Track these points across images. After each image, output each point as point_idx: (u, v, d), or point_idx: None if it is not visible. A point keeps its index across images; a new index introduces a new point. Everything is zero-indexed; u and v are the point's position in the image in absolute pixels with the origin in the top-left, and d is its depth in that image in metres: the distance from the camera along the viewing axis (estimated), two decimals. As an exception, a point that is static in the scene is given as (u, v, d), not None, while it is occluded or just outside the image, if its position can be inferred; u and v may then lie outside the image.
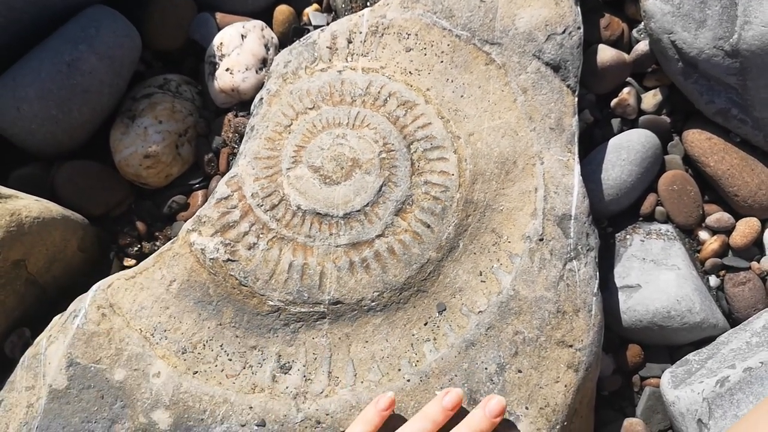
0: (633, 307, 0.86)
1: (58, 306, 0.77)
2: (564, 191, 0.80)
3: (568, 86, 0.84)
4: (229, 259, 0.75)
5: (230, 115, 0.89)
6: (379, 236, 0.77)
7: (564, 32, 0.85)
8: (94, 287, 0.75)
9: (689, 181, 0.93)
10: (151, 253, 0.87)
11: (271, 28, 0.94)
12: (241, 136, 0.87)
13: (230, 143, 0.89)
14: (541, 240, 0.78)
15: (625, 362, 0.88)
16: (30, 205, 0.76)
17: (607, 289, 0.89)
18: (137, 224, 0.88)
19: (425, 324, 0.76)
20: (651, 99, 0.97)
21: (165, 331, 0.74)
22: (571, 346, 0.76)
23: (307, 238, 0.76)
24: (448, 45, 0.84)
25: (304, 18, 0.96)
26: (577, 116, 0.84)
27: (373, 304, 0.76)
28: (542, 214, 0.79)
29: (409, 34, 0.84)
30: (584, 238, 0.80)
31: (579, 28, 0.86)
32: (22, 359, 0.73)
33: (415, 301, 0.76)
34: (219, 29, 0.92)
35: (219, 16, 0.93)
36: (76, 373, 0.71)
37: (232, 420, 0.72)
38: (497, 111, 0.82)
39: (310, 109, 0.81)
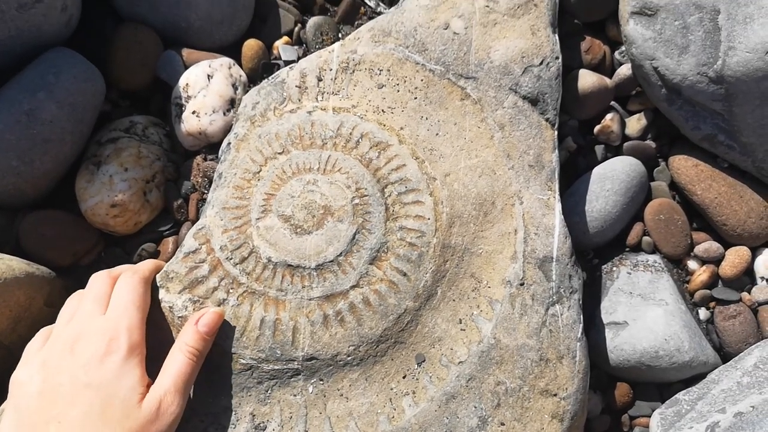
0: (620, 345, 0.83)
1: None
2: (545, 232, 0.77)
3: (547, 120, 0.81)
4: (197, 318, 0.72)
5: (199, 159, 0.86)
6: (353, 287, 0.74)
7: (541, 64, 0.81)
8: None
9: (676, 210, 0.90)
10: (122, 303, 0.85)
11: (240, 64, 0.90)
12: (211, 181, 0.84)
13: (200, 188, 0.86)
14: (522, 285, 0.76)
15: (614, 401, 0.86)
16: (-10, 267, 0.73)
17: (594, 326, 0.86)
18: (106, 274, 0.85)
19: (404, 377, 0.74)
20: (635, 124, 0.94)
21: (134, 393, 0.71)
22: (555, 394, 0.74)
23: (278, 292, 0.73)
24: (422, 80, 0.81)
25: (274, 52, 0.92)
26: (557, 151, 0.81)
27: (349, 358, 0.73)
28: (522, 257, 0.76)
29: (381, 70, 0.81)
30: (567, 281, 0.77)
31: (557, 58, 0.82)
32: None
33: (392, 354, 0.74)
34: (186, 67, 0.88)
35: (185, 52, 0.89)
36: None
37: (205, 486, 0.69)
38: (474, 149, 0.79)
39: (280, 153, 0.78)
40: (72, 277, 0.85)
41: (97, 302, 0.69)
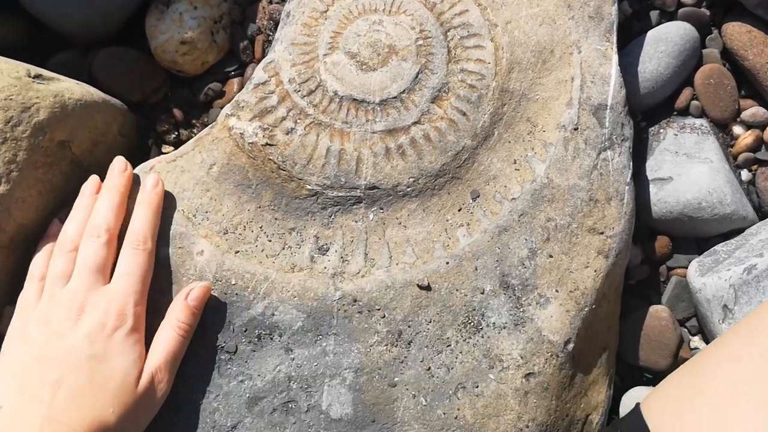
0: (664, 198, 0.87)
1: (101, 188, 0.79)
2: (601, 81, 0.80)
3: (609, -27, 0.83)
4: (267, 144, 0.76)
5: (265, 2, 0.89)
6: (415, 123, 0.77)
7: None
8: (137, 169, 0.77)
9: (726, 75, 0.92)
10: (189, 140, 0.89)
11: None
12: (276, 24, 0.87)
13: (265, 30, 0.89)
14: (576, 129, 0.79)
15: (653, 252, 0.90)
16: (72, 88, 0.77)
17: (639, 182, 0.89)
18: (174, 111, 0.89)
19: (459, 210, 0.78)
20: (691, -10, 0.95)
21: (206, 212, 0.76)
22: (602, 233, 0.78)
23: (344, 124, 0.77)
24: (487, -71, 0.82)
25: None
26: (617, 5, 0.82)
27: (409, 189, 0.77)
28: (578, 103, 0.79)
29: None
30: (619, 128, 0.80)
31: None
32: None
33: (449, 188, 0.78)
34: None
35: None
36: (123, 249, 0.74)
37: (273, 296, 0.74)
38: (536, -2, 0.81)
39: (347, -6, 0.80)
40: (141, 114, 0.90)
41: (99, 271, 0.70)
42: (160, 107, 0.90)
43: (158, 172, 0.77)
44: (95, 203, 0.73)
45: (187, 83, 0.91)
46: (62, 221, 0.74)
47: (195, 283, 0.73)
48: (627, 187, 0.79)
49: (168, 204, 0.75)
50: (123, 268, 0.70)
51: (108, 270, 0.70)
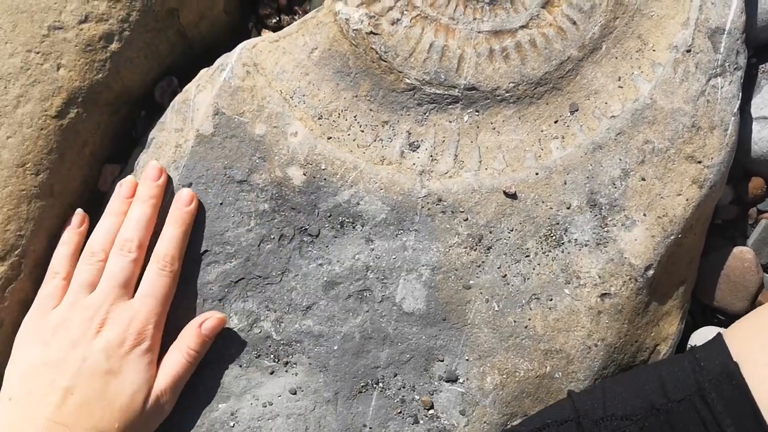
0: (766, 138, 0.84)
1: (202, 61, 0.80)
2: (722, 2, 0.76)
3: None
4: (371, 32, 0.76)
5: None
6: (522, 27, 0.75)
7: None
8: (240, 45, 0.78)
9: None
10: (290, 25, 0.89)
11: None
12: None
13: None
14: (689, 51, 0.76)
15: (746, 193, 0.87)
16: (181, -44, 0.77)
17: (742, 118, 0.86)
18: (278, -4, 0.89)
19: (555, 122, 0.76)
20: None
21: (303, 95, 0.77)
22: (700, 162, 0.76)
23: (450, 20, 0.76)
24: None
25: None
26: (750, -76, 0.78)
27: (507, 94, 0.76)
28: (694, 24, 0.76)
29: None
30: (734, 56, 0.77)
31: None
32: (172, 104, 0.77)
33: (548, 98, 0.76)
34: None
35: None
36: (221, 122, 0.75)
37: (360, 186, 0.75)
38: None
39: None
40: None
41: (124, 286, 0.70)
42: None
43: (261, 51, 0.77)
44: (128, 212, 0.72)
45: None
46: (85, 213, 0.76)
47: (211, 312, 0.73)
48: (733, 118, 0.76)
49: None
50: (147, 288, 0.70)
51: (133, 286, 0.71)
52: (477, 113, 0.77)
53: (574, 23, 0.75)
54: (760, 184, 0.87)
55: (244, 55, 0.77)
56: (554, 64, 0.76)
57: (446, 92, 0.76)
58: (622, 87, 0.76)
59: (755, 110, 0.86)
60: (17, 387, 0.67)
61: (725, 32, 0.76)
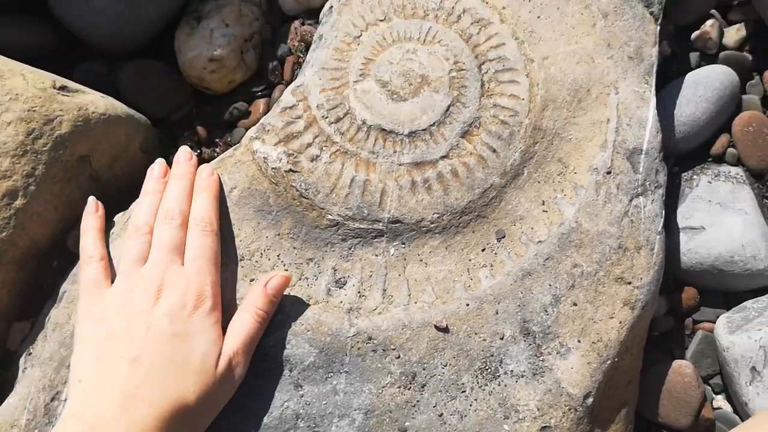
0: (694, 249, 0.84)
1: (118, 204, 0.77)
2: (637, 124, 0.77)
3: (651, 13, 0.80)
4: (291, 170, 0.74)
5: (297, 23, 0.87)
6: (443, 157, 0.75)
7: (652, -44, 0.80)
8: (155, 187, 0.76)
9: (766, 124, 0.89)
10: (211, 159, 0.87)
11: (343, -66, 0.90)
12: (307, 46, 0.85)
13: (296, 52, 0.87)
14: (609, 173, 0.76)
15: (680, 304, 0.87)
16: (96, 101, 0.75)
17: (668, 229, 0.86)
18: (198, 129, 0.88)
19: (483, 250, 0.75)
20: (734, 34, 0.92)
21: (224, 237, 0.74)
22: (629, 283, 0.75)
23: (370, 154, 0.75)
24: (529, -38, 0.80)
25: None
26: (657, 46, 0.80)
27: (432, 225, 0.75)
28: (612, 146, 0.77)
29: (488, -52, 0.80)
30: (653, 175, 0.77)
31: (668, -49, 0.81)
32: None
33: (474, 226, 0.75)
34: (290, -68, 0.88)
35: None
36: (137, 270, 0.72)
37: (286, 329, 0.72)
38: (575, 35, 0.79)
39: (381, 20, 0.78)
40: (163, 130, 0.88)
41: (175, 252, 0.70)
42: (184, 124, 0.89)
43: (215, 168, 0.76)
44: (166, 188, 0.74)
45: (212, 101, 0.89)
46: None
47: (274, 271, 0.73)
48: (658, 237, 0.76)
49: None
50: (194, 251, 0.70)
51: (182, 251, 0.71)
52: (403, 245, 0.75)
53: (494, 151, 0.75)
54: (693, 294, 0.87)
55: (160, 198, 0.75)
56: (477, 192, 0.75)
57: (370, 226, 0.75)
58: (546, 211, 0.76)
59: (681, 220, 0.87)
60: (86, 367, 0.65)
61: (643, 152, 0.77)
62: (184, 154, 0.76)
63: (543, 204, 0.76)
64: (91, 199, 0.75)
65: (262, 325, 0.70)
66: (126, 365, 0.63)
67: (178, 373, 0.64)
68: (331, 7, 0.80)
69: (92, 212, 0.74)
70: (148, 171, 0.76)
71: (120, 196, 0.79)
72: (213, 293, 0.69)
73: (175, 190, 0.73)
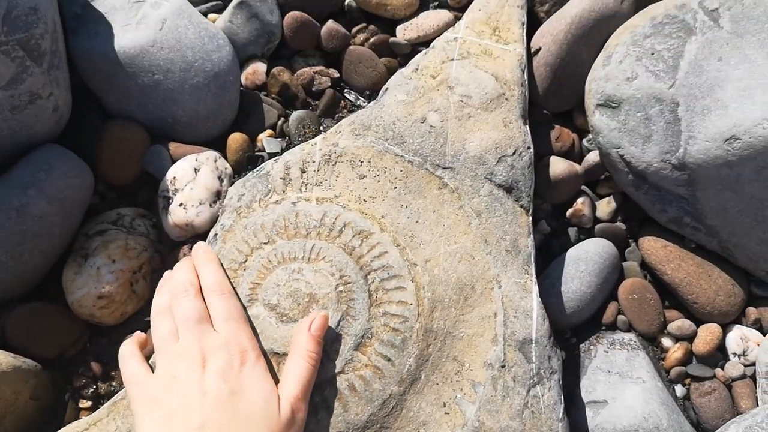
0: (601, 424, 0.85)
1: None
2: (523, 315, 0.80)
3: (521, 206, 0.85)
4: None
5: (185, 249, 0.89)
6: (339, 373, 0.75)
7: (514, 153, 0.86)
8: (46, 443, 0.73)
9: (648, 289, 0.93)
10: (107, 394, 0.86)
11: (225, 157, 0.94)
12: (196, 273, 0.86)
13: (186, 278, 0.88)
14: (503, 367, 0.78)
15: (598, 481, 0.87)
16: (-23, 362, 0.73)
17: (575, 405, 0.88)
18: (92, 365, 0.86)
19: (390, 463, 0.74)
20: (605, 206, 0.98)
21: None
22: (539, 476, 0.75)
23: (265, 381, 0.74)
24: (401, 171, 0.84)
25: (258, 144, 0.96)
26: (532, 236, 0.84)
27: (335, 446, 0.74)
28: (503, 339, 0.79)
29: (362, 162, 0.85)
30: (546, 362, 0.79)
31: (529, 147, 0.87)
32: None
33: (378, 439, 0.75)
34: (173, 160, 0.91)
35: (172, 146, 0.93)
36: None
37: None
38: (453, 235, 0.82)
39: (265, 243, 0.80)
40: (58, 369, 0.86)
41: (203, 322, 0.72)
42: (79, 359, 0.87)
43: None
44: (172, 277, 0.77)
45: (106, 332, 0.88)
46: None
47: (314, 312, 0.76)
48: (560, 424, 0.77)
49: None
50: (221, 314, 0.73)
51: (208, 317, 0.73)
52: (309, 470, 0.73)
53: (389, 360, 0.76)
54: (608, 469, 0.87)
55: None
56: (377, 404, 0.75)
57: (273, 455, 0.73)
58: (448, 413, 0.76)
59: (585, 394, 0.89)
60: None
61: (533, 342, 0.79)
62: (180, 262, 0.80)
63: (444, 406, 0.76)
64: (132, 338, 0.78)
65: (315, 368, 0.72)
66: None
67: (245, 427, 0.65)
68: (216, 234, 0.82)
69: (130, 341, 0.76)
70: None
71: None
72: (253, 346, 0.72)
73: (181, 270, 0.76)
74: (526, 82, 0.91)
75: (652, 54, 0.87)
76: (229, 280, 0.78)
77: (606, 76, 0.89)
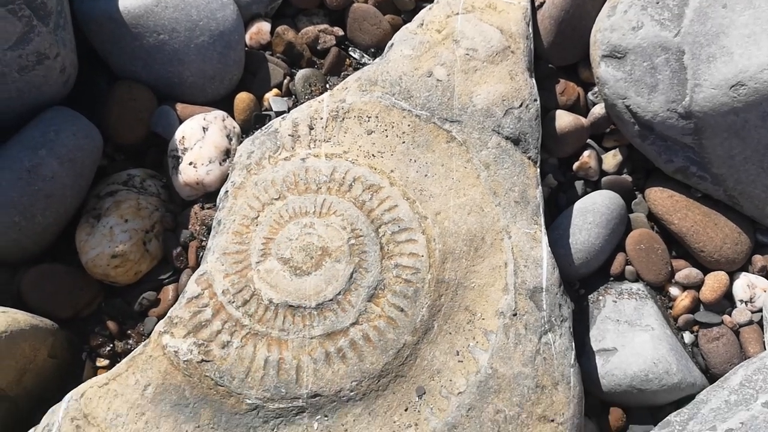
0: (611, 371, 0.86)
1: (31, 418, 0.75)
2: (534, 264, 0.81)
3: (529, 158, 0.86)
4: (203, 360, 0.74)
5: (197, 208, 0.89)
6: (353, 324, 0.76)
7: (521, 106, 0.86)
8: (67, 398, 0.74)
9: (656, 239, 0.94)
10: (124, 352, 0.87)
11: (233, 117, 0.94)
12: (209, 229, 0.87)
13: (198, 236, 0.88)
14: (515, 315, 0.79)
15: (608, 427, 0.88)
16: (-5, 320, 0.74)
17: (585, 354, 0.89)
18: (108, 324, 0.87)
19: (406, 410, 0.76)
20: (611, 159, 0.99)
21: (142, 440, 0.73)
22: (552, 420, 0.76)
23: (281, 332, 0.76)
24: (409, 125, 0.85)
25: (265, 103, 0.97)
26: (540, 187, 0.85)
27: (352, 393, 0.75)
28: (514, 288, 0.80)
29: (369, 117, 0.85)
30: (557, 309, 0.80)
31: (535, 100, 0.87)
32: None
33: (394, 387, 0.76)
34: (180, 121, 0.92)
35: (179, 107, 0.93)
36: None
37: None
38: (462, 188, 0.83)
39: (276, 199, 0.81)
40: (73, 329, 0.87)
41: None
42: (94, 320, 0.88)
43: (90, 398, 0.74)
44: None
45: (121, 292, 0.89)
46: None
47: None
48: (572, 370, 0.78)
49: None
50: None
51: None
52: (326, 418, 0.75)
53: (402, 310, 0.77)
54: (619, 415, 0.88)
55: (71, 408, 0.73)
56: (391, 353, 0.76)
57: (290, 404, 0.74)
58: (462, 361, 0.77)
59: (595, 343, 0.90)
60: None
61: (543, 290, 0.80)
62: None
63: (457, 354, 0.77)
64: None
65: None
66: None
67: None
68: (227, 191, 0.83)
69: None
70: None
71: (33, 407, 0.77)
72: None
73: None
74: (531, 35, 0.91)
75: (657, 2, 0.87)
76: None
77: (611, 27, 0.89)
